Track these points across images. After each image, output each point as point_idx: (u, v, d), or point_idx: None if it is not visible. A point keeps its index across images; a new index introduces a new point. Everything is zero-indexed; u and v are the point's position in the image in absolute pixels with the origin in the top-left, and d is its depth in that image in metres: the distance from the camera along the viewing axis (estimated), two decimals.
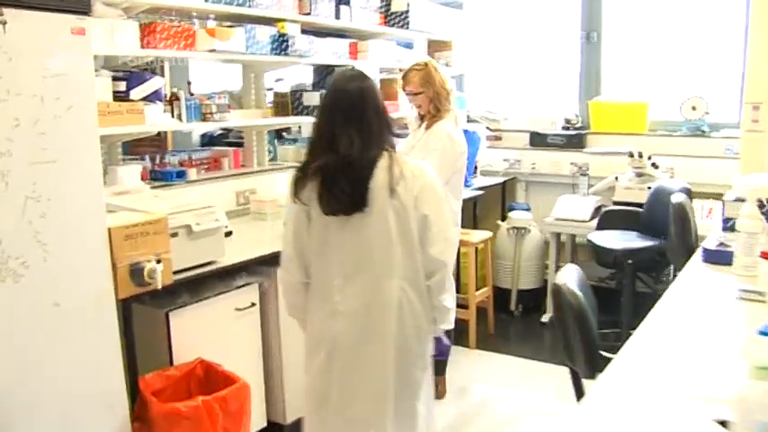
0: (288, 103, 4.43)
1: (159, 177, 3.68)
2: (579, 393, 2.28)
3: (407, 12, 5.09)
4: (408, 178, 2.27)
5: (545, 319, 5.38)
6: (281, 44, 4.07)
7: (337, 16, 4.52)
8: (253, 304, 3.30)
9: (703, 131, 5.34)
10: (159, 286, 2.62)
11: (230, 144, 4.71)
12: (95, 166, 2.45)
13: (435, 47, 5.63)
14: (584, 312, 2.21)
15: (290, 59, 4.17)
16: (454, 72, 5.85)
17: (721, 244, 3.15)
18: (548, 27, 5.92)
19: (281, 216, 4.06)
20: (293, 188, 2.31)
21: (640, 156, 4.90)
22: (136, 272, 2.58)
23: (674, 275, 3.77)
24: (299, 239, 2.34)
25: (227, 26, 3.73)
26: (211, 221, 2.98)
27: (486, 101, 6.22)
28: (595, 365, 2.21)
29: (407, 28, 5.11)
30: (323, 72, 4.76)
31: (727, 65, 5.42)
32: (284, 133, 4.91)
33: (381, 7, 5.03)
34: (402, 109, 5.14)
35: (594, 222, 4.92)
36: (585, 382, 2.24)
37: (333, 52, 4.53)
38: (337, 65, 4.65)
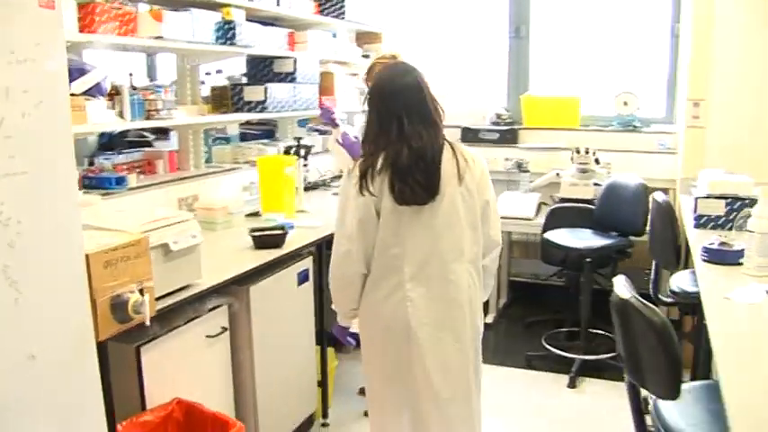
0: (227, 99, 3.92)
1: (95, 185, 3.10)
2: (638, 411, 2.17)
3: (343, 1, 4.68)
4: (471, 165, 2.39)
5: (489, 320, 5.15)
6: (226, 32, 3.57)
7: (278, 3, 4.06)
8: (223, 329, 2.82)
9: (635, 126, 5.30)
10: (148, 321, 2.12)
11: (134, 145, 4.08)
12: (71, 178, 1.92)
13: (364, 39, 5.26)
14: (669, 331, 1.94)
15: (235, 50, 3.68)
16: None
17: (723, 243, 3.00)
18: (477, 20, 5.69)
19: (232, 224, 3.63)
20: (361, 181, 2.30)
21: (586, 152, 4.77)
22: (118, 306, 2.06)
23: (656, 274, 3.63)
24: (365, 232, 2.32)
25: (171, 10, 3.19)
26: (188, 238, 2.48)
27: None
28: (679, 387, 1.95)
29: (343, 18, 4.71)
30: (259, 64, 4.27)
31: (653, 61, 5.42)
32: (213, 132, 4.38)
33: None
34: (339, 104, 4.74)
35: (540, 219, 4.74)
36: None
37: (272, 43, 4.06)
38: (277, 56, 4.18)
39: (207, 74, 4.10)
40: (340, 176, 5.19)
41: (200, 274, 2.59)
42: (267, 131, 4.96)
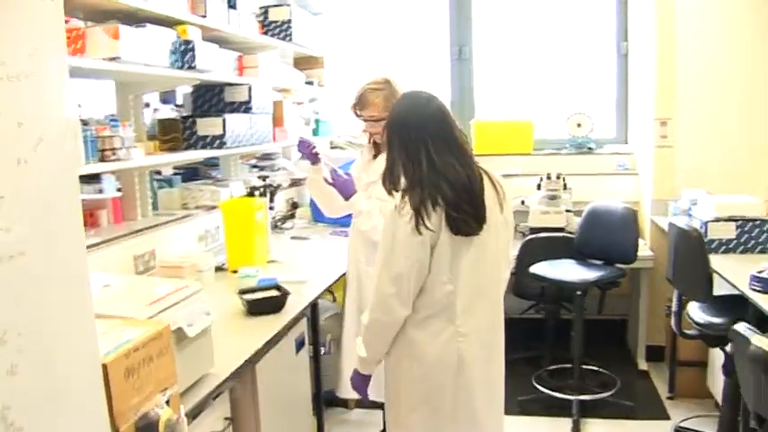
0: (177, 133, 3.25)
1: None
2: None
3: (289, 22, 4.11)
4: (505, 193, 2.27)
5: None
6: (183, 54, 2.92)
7: (228, 21, 3.44)
8: (228, 421, 2.17)
9: (590, 148, 5.02)
10: None
11: None
12: (81, 258, 1.26)
13: (304, 63, 4.69)
14: None
15: (191, 75, 3.03)
16: (326, 94, 4.96)
17: None
18: (419, 43, 5.27)
19: (203, 284, 2.96)
20: (417, 219, 2.10)
21: (558, 177, 4.41)
22: (146, 430, 1.40)
23: (680, 306, 3.27)
24: (419, 273, 2.13)
25: (125, 24, 2.52)
26: (202, 317, 1.84)
27: (352, 124, 5.38)
28: None
29: (290, 40, 4.14)
30: (207, 93, 3.62)
31: (599, 81, 5.19)
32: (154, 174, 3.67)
33: (259, 15, 4.00)
34: (290, 135, 4.15)
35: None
36: None
37: (224, 67, 3.43)
38: (229, 83, 3.55)
39: (146, 105, 3.40)
40: (291, 216, 4.60)
41: (212, 361, 1.95)
42: (190, 169, 4.30)
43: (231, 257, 3.16)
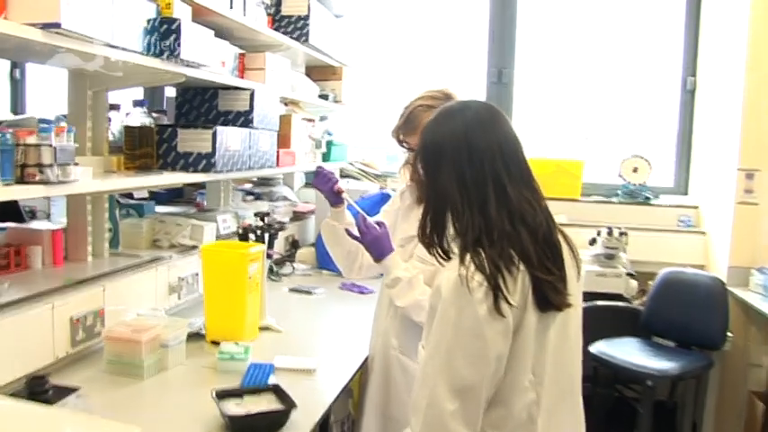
0: (149, 147, 2.35)
1: None
2: None
3: (306, 18, 3.25)
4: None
5: None
6: (163, 37, 2.04)
7: (231, 4, 2.57)
8: None
9: (648, 198, 4.17)
10: None
11: None
12: None
13: (317, 74, 3.81)
14: None
15: (174, 69, 2.14)
16: (344, 111, 4.09)
17: None
18: (453, 64, 4.42)
19: (168, 364, 2.06)
20: (496, 293, 1.36)
21: (621, 234, 3.55)
22: None
23: None
24: (495, 376, 1.40)
25: None
26: None
27: (364, 149, 4.52)
28: None
29: (305, 41, 3.27)
30: (195, 98, 2.73)
31: (656, 119, 4.36)
32: (120, 199, 2.77)
33: (270, 6, 3.14)
34: (299, 160, 3.28)
35: None
36: None
37: (218, 63, 2.54)
38: (226, 85, 2.67)
39: (112, 107, 2.50)
40: (289, 258, 3.69)
41: None
42: (172, 190, 3.42)
43: (211, 324, 2.26)
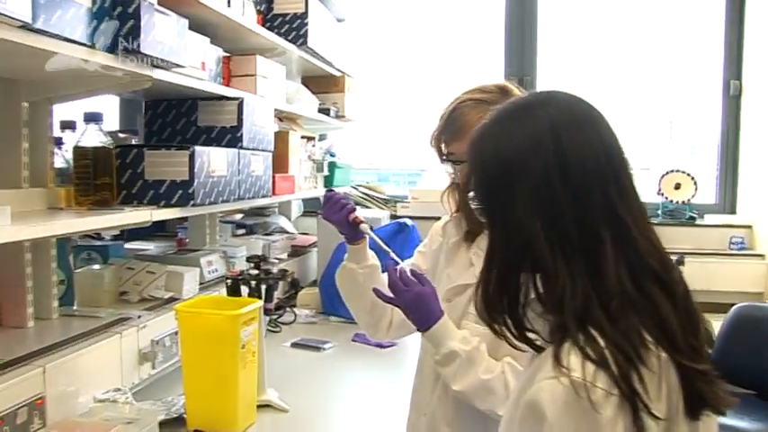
0: (108, 175, 1.77)
1: None
2: None
3: (304, 17, 2.70)
4: None
5: None
6: (119, 22, 1.48)
7: None
8: None
9: (693, 218, 3.63)
10: None
11: None
12: None
13: (316, 84, 3.25)
14: None
15: (134, 69, 1.58)
16: (346, 126, 3.54)
17: None
18: (470, 71, 3.89)
19: None
20: (634, 398, 0.86)
21: (677, 262, 2.99)
22: None
23: None
24: None
25: None
26: None
27: (368, 171, 3.97)
28: None
29: (303, 44, 2.72)
30: (169, 111, 2.17)
31: (692, 129, 3.85)
32: (79, 240, 2.19)
33: (259, 2, 2.59)
34: (299, 185, 2.73)
35: None
36: None
37: (196, 64, 1.98)
38: (206, 94, 2.11)
39: (66, 126, 1.93)
40: (288, 301, 3.10)
41: None
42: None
43: (194, 408, 1.68)
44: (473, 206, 1.16)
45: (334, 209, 1.65)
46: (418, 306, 1.42)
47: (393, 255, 1.54)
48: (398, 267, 1.45)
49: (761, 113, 3.51)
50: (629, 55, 3.86)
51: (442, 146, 1.56)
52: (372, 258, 1.67)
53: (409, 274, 1.44)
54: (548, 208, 0.93)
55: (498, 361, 1.44)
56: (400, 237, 2.77)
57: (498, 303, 0.98)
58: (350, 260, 1.65)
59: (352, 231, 1.64)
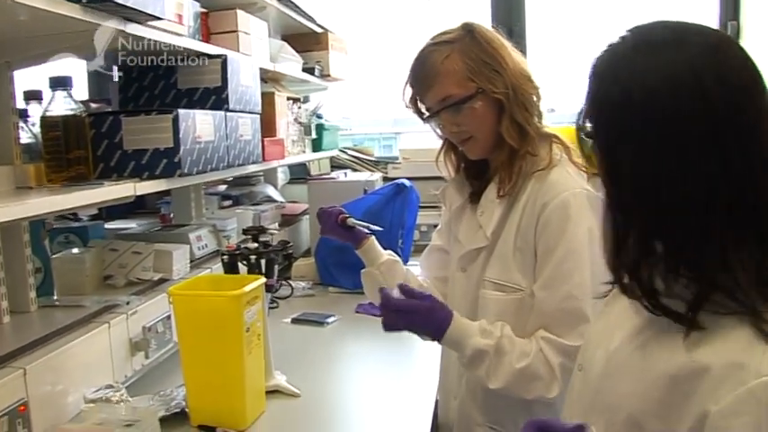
0: (83, 148, 1.56)
1: None
2: None
3: None
4: None
5: None
6: None
7: None
8: None
9: None
10: None
11: None
12: None
13: (296, 42, 3.00)
14: None
15: (101, 21, 1.36)
16: (332, 86, 3.32)
17: None
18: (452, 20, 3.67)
19: None
20: None
21: None
22: None
23: None
24: None
25: None
26: None
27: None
28: None
29: None
30: (146, 73, 1.95)
31: None
32: (55, 222, 1.98)
33: None
34: (289, 153, 2.53)
35: None
36: None
37: (173, 19, 1.75)
38: (186, 51, 1.89)
39: (30, 96, 1.70)
40: (283, 273, 2.89)
41: None
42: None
43: (196, 402, 1.50)
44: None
45: (326, 222, 1.65)
46: (423, 323, 1.30)
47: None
48: (387, 293, 1.30)
49: (760, 55, 3.36)
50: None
51: (419, 98, 1.42)
52: (386, 254, 1.62)
53: (396, 293, 1.30)
54: (712, 160, 0.76)
55: (529, 332, 1.29)
56: (399, 198, 2.59)
57: (631, 268, 0.83)
58: (367, 264, 1.61)
59: (350, 234, 1.62)
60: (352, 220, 1.62)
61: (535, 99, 1.41)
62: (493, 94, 1.34)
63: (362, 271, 1.62)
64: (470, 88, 1.34)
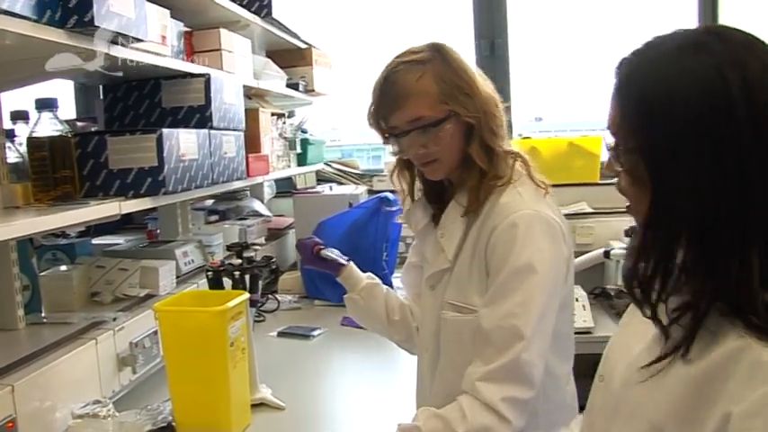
0: (68, 168, 1.60)
1: None
2: None
3: None
4: None
5: None
6: None
7: None
8: None
9: None
10: None
11: None
12: None
13: (281, 58, 3.05)
14: None
15: (86, 45, 1.40)
16: (316, 101, 3.37)
17: None
18: (434, 33, 3.73)
19: None
20: None
21: None
22: None
23: None
24: None
25: None
26: None
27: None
28: None
29: (268, 16, 2.54)
30: (130, 93, 1.99)
31: None
32: (42, 240, 2.01)
33: None
34: (274, 168, 2.57)
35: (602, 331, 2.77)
36: None
37: (156, 40, 1.80)
38: (171, 72, 1.93)
39: (18, 117, 1.73)
40: (269, 286, 2.92)
41: None
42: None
43: (183, 416, 1.53)
44: (614, 160, 0.92)
45: (304, 255, 1.71)
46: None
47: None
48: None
49: None
50: (602, 9, 3.74)
51: (382, 122, 1.41)
52: (365, 279, 1.66)
53: None
54: (733, 166, 0.77)
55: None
56: (383, 211, 2.63)
57: (650, 277, 0.83)
58: (348, 290, 1.65)
59: (328, 264, 1.66)
60: (325, 253, 1.66)
61: (502, 120, 1.40)
62: (464, 118, 1.34)
63: (344, 296, 1.67)
64: (443, 111, 1.34)
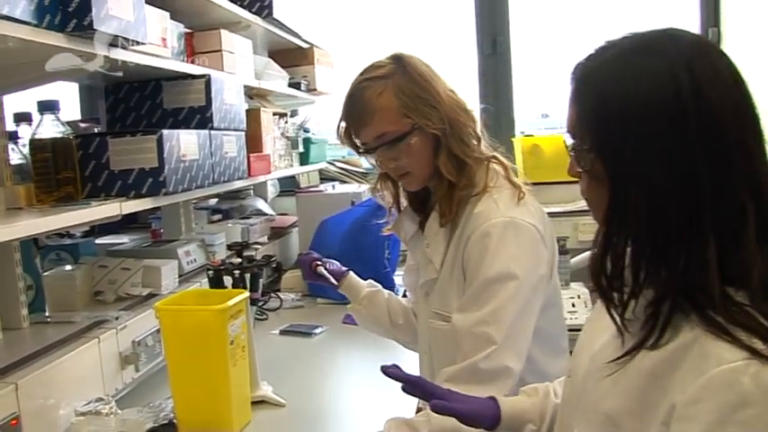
0: (71, 169, 1.63)
1: None
2: None
3: None
4: None
5: None
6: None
7: None
8: None
9: None
10: None
11: None
12: None
13: (283, 57, 3.07)
14: None
15: (85, 48, 1.42)
16: (318, 100, 3.39)
17: None
18: (436, 32, 3.75)
19: None
20: None
21: None
22: None
23: None
24: None
25: None
26: None
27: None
28: None
29: (268, 16, 2.56)
30: (132, 94, 2.01)
31: None
32: (46, 240, 2.04)
33: None
34: (276, 168, 2.59)
35: None
36: None
37: (156, 41, 1.82)
38: (172, 74, 1.96)
39: (21, 118, 1.77)
40: (272, 285, 2.95)
41: None
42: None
43: (184, 413, 1.55)
44: (575, 161, 0.92)
45: (304, 270, 1.77)
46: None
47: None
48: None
49: (741, 62, 3.43)
50: (604, 8, 3.74)
51: (353, 137, 1.45)
52: (366, 287, 1.71)
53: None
54: (683, 162, 0.80)
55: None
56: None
57: (612, 272, 0.86)
58: (350, 300, 1.72)
59: (327, 279, 1.71)
60: (321, 270, 1.71)
61: (472, 128, 1.42)
62: (429, 130, 1.35)
63: (348, 307, 1.74)
64: (406, 125, 1.35)
